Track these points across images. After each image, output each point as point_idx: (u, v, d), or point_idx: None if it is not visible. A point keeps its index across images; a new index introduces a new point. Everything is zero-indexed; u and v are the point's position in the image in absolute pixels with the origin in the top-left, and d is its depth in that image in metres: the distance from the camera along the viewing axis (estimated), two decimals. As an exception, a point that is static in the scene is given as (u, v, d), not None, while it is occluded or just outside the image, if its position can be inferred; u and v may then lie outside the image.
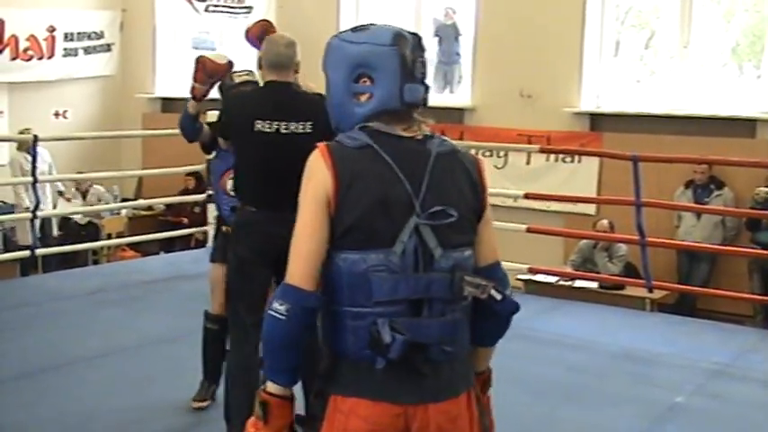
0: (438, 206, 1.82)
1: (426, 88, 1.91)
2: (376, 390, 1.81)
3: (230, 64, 3.90)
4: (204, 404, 4.10)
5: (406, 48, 1.86)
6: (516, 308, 1.91)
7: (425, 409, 1.83)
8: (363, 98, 1.87)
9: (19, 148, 8.77)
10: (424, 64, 1.90)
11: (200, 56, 3.88)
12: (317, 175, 1.82)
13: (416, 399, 1.82)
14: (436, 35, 9.14)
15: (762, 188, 6.50)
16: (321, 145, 1.86)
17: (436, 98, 9.12)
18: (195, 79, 3.84)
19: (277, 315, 1.79)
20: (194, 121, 3.95)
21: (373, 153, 1.83)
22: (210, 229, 7.69)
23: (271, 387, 1.83)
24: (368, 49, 1.87)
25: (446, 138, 1.95)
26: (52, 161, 9.09)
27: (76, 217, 9.53)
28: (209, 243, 7.73)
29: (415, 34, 1.91)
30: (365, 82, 1.87)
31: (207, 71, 3.81)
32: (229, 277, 3.55)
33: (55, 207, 9.25)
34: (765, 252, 6.45)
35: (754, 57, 7.91)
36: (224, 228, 4.03)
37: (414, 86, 1.87)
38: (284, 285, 1.81)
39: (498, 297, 1.86)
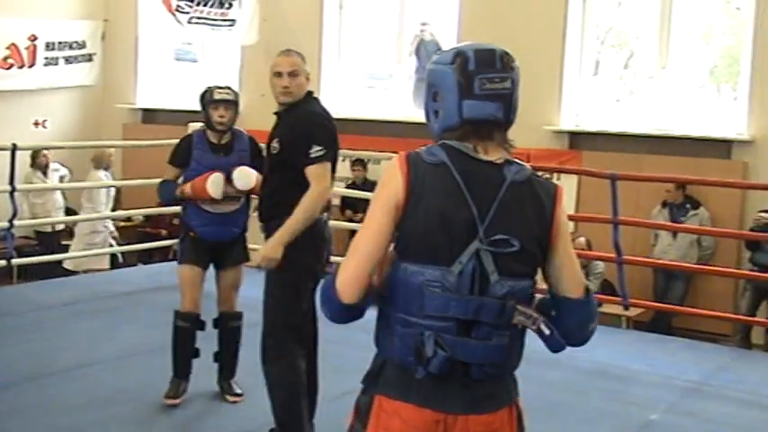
0: (502, 234, 1.85)
1: (501, 106, 1.90)
2: (419, 396, 1.89)
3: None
4: (177, 401, 4.21)
5: (466, 65, 1.89)
6: (562, 348, 1.92)
7: (466, 420, 1.90)
8: (437, 115, 1.95)
9: (32, 165, 8.90)
10: (494, 81, 1.89)
11: (206, 189, 4.14)
12: (392, 183, 1.89)
13: (458, 408, 1.89)
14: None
15: (763, 213, 6.58)
16: (402, 154, 1.92)
17: (418, 115, 9.16)
18: (189, 196, 4.22)
19: (324, 310, 1.96)
20: (173, 185, 4.31)
21: (447, 171, 1.87)
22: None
23: None
24: (435, 68, 1.95)
25: (524, 164, 1.96)
26: (68, 172, 9.15)
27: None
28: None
29: (494, 51, 1.94)
30: (436, 100, 1.95)
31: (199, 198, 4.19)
32: (283, 293, 3.54)
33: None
34: (743, 273, 6.50)
35: (731, 79, 8.03)
36: (191, 233, 4.26)
37: (473, 103, 1.88)
38: (327, 290, 1.92)
39: (546, 332, 1.88)
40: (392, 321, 1.91)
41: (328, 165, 3.50)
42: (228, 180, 4.15)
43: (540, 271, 1.97)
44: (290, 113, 3.57)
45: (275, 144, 3.54)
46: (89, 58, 10.97)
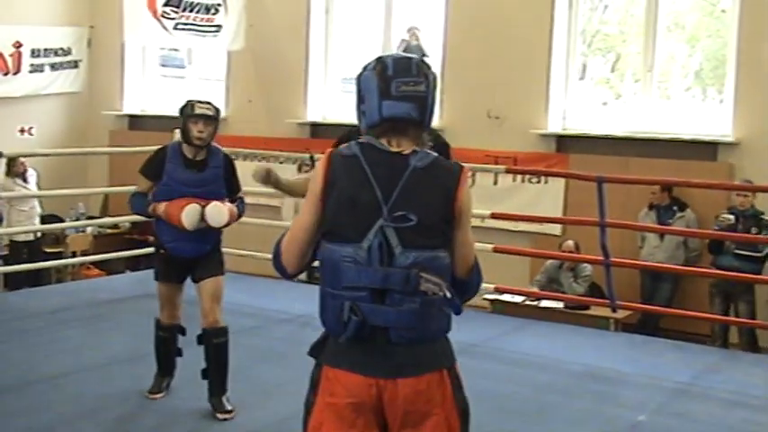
0: (402, 212, 2.13)
1: (415, 106, 2.18)
2: (349, 362, 2.16)
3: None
4: (159, 396, 4.39)
5: (385, 70, 2.19)
6: (459, 312, 2.19)
7: (394, 383, 2.15)
8: (364, 115, 2.25)
9: (8, 174, 8.74)
10: (409, 84, 2.18)
11: (180, 219, 4.10)
12: (315, 178, 2.22)
13: (384, 373, 2.14)
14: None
15: (725, 214, 6.58)
16: (327, 151, 2.24)
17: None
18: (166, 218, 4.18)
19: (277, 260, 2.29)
20: (144, 197, 4.32)
21: (357, 162, 2.17)
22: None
23: None
24: (361, 74, 2.27)
25: (430, 153, 2.22)
26: (35, 175, 9.05)
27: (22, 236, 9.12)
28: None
29: (410, 59, 2.24)
30: (363, 102, 2.25)
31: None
32: None
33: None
34: (727, 273, 6.52)
35: (717, 81, 8.07)
36: (161, 251, 4.32)
37: (391, 103, 2.17)
38: (277, 258, 2.27)
39: (449, 296, 2.14)
40: (324, 296, 2.20)
41: None
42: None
43: None
44: None
45: None
46: (75, 64, 10.93)
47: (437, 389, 2.18)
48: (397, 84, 2.17)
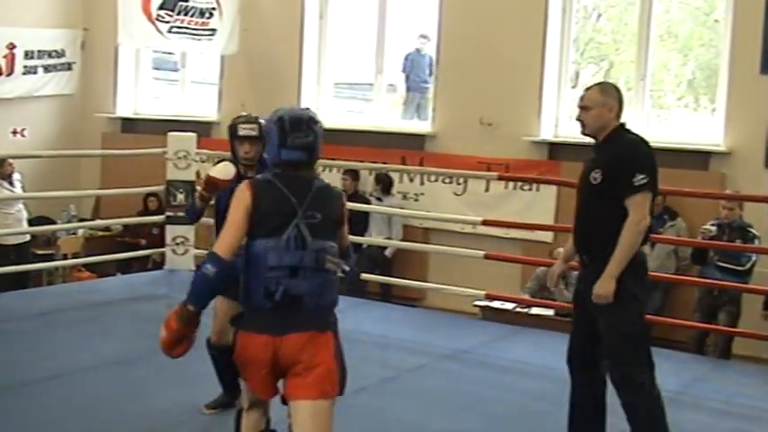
0: (310, 212, 2.96)
1: (304, 153, 3.01)
2: (256, 326, 2.92)
3: (234, 180, 4.07)
4: (213, 412, 4.27)
5: (283, 125, 3.01)
6: (356, 277, 3.21)
7: (282, 339, 2.89)
8: (269, 155, 3.11)
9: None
10: (299, 138, 3.00)
11: (209, 175, 4.15)
12: (244, 197, 2.98)
13: (276, 331, 2.89)
14: (407, 62, 9.26)
15: (708, 226, 6.56)
16: (246, 182, 3.06)
17: (398, 125, 9.20)
18: (205, 190, 4.21)
19: (208, 274, 2.90)
20: (199, 212, 4.31)
21: (273, 184, 3.00)
22: (169, 251, 7.65)
23: (190, 307, 2.93)
24: (266, 126, 3.14)
25: (322, 179, 3.12)
26: (21, 181, 8.97)
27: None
28: (167, 265, 7.68)
29: (301, 117, 3.04)
30: (267, 145, 3.17)
31: (216, 188, 4.15)
32: (634, 322, 3.73)
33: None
34: (714, 282, 6.49)
35: (709, 91, 8.10)
36: None
37: (288, 151, 3.00)
38: (213, 254, 2.92)
39: (347, 269, 3.04)
40: (250, 280, 2.92)
41: (649, 194, 3.62)
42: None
43: None
44: (606, 145, 3.75)
45: (596, 175, 3.67)
46: (68, 66, 10.91)
47: (321, 345, 2.91)
48: (292, 138, 2.99)
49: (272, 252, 2.89)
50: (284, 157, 3.00)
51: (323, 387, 2.88)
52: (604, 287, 3.63)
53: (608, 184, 3.65)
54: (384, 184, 8.65)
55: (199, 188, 4.24)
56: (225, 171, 4.10)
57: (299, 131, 3.00)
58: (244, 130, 4.18)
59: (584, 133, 3.84)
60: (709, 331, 6.72)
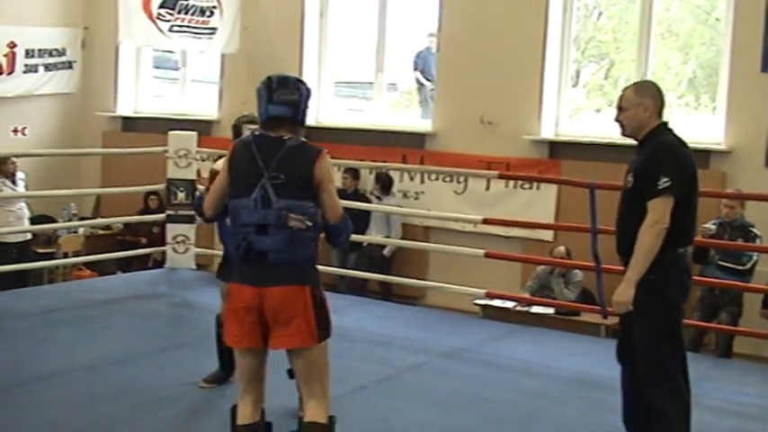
0: (275, 173, 3.16)
1: (289, 109, 3.23)
2: (242, 278, 3.20)
3: None
4: (211, 386, 4.54)
5: (271, 84, 3.24)
6: (336, 244, 3.45)
7: (270, 291, 3.13)
8: (259, 113, 3.31)
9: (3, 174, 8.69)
10: (285, 94, 3.23)
11: (213, 169, 4.43)
12: (227, 157, 3.32)
13: (263, 283, 3.14)
14: (419, 60, 9.26)
15: (708, 225, 6.54)
16: (235, 141, 3.48)
17: (398, 123, 9.20)
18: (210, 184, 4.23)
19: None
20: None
21: (248, 145, 3.25)
22: (169, 249, 7.65)
23: None
24: (258, 87, 3.29)
25: (300, 138, 3.27)
26: (25, 179, 8.99)
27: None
28: (168, 263, 7.69)
29: (288, 78, 3.30)
30: (259, 104, 3.29)
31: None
32: (664, 324, 3.69)
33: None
34: (714, 281, 6.46)
35: (710, 89, 8.09)
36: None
37: (274, 106, 3.22)
38: (199, 206, 3.57)
39: (309, 225, 3.16)
40: (228, 233, 3.34)
41: (671, 198, 3.57)
42: None
43: None
44: (643, 146, 3.74)
45: (630, 177, 3.69)
46: (69, 65, 10.91)
47: (298, 298, 3.14)
48: (278, 93, 3.22)
49: (243, 210, 3.17)
50: (270, 113, 3.22)
51: (302, 337, 3.13)
52: (622, 294, 3.63)
53: (638, 187, 3.65)
54: (384, 183, 8.65)
55: (201, 186, 4.25)
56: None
57: (286, 88, 3.24)
58: (248, 130, 4.19)
59: (623, 134, 3.83)
60: (708, 330, 6.71)
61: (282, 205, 3.12)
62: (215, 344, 4.51)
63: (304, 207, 3.15)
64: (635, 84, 3.97)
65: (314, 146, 3.27)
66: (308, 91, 3.31)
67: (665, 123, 3.79)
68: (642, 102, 3.74)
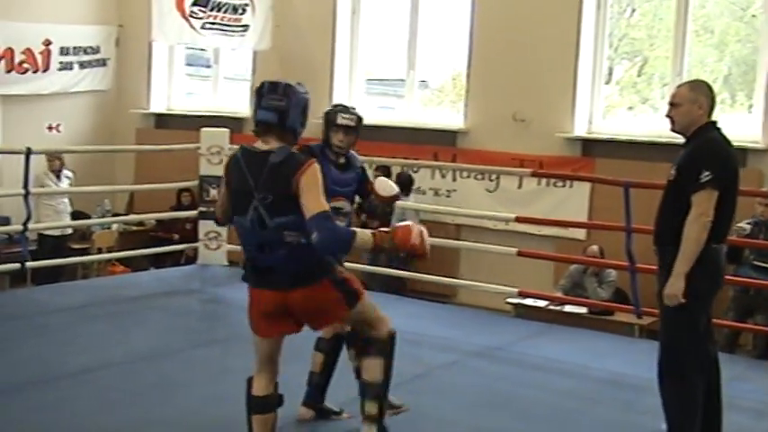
0: (263, 194, 3.17)
1: (276, 114, 3.21)
2: (261, 283, 3.29)
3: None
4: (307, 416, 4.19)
5: (262, 88, 3.27)
6: (322, 248, 3.15)
7: (287, 294, 3.24)
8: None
9: (50, 168, 8.96)
10: (273, 100, 3.22)
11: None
12: (224, 169, 3.40)
13: (283, 287, 3.23)
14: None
15: (743, 224, 6.44)
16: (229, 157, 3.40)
17: (430, 120, 9.17)
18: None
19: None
20: None
21: (237, 161, 3.28)
22: (201, 246, 7.69)
23: None
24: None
25: (286, 149, 3.21)
26: (72, 178, 9.20)
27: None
28: (200, 260, 7.73)
29: (279, 83, 3.26)
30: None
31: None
32: (678, 319, 3.75)
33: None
34: (748, 281, 6.35)
35: (746, 87, 7.98)
36: None
37: (261, 111, 3.24)
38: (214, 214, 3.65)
39: (303, 241, 3.14)
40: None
41: (714, 192, 3.62)
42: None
43: None
44: (689, 143, 3.79)
45: (673, 171, 3.75)
46: (103, 62, 11.01)
47: (321, 292, 3.26)
48: (266, 99, 3.23)
49: (242, 230, 3.29)
50: (258, 117, 3.24)
51: (336, 314, 3.40)
52: (672, 287, 3.66)
53: (680, 181, 3.68)
54: (403, 183, 8.46)
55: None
56: (391, 186, 4.30)
57: (275, 93, 3.23)
58: (343, 119, 4.20)
59: (673, 130, 3.86)
60: (743, 331, 6.61)
61: (276, 224, 3.17)
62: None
63: (298, 223, 3.14)
64: (690, 81, 3.99)
65: (299, 157, 3.20)
66: (303, 100, 3.27)
67: (714, 122, 3.81)
68: (697, 99, 3.76)
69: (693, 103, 3.75)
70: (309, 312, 3.31)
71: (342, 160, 4.24)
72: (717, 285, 3.81)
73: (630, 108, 8.61)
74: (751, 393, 5.03)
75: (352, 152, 4.34)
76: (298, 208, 3.13)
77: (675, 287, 3.64)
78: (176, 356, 4.92)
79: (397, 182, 8.58)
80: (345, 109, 4.27)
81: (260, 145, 3.25)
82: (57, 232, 8.96)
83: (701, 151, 3.70)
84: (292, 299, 3.24)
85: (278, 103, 3.21)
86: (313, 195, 3.13)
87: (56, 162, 8.97)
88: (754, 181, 7.18)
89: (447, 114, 9.35)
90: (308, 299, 3.25)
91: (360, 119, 4.28)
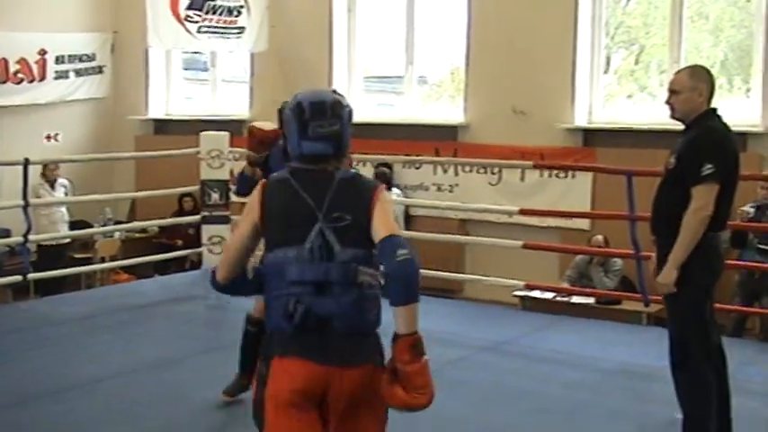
0: (336, 213, 2.45)
1: (330, 144, 2.52)
2: (301, 350, 2.40)
3: (277, 131, 4.13)
4: (234, 399, 4.24)
5: (303, 113, 2.54)
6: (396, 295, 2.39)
7: (342, 372, 2.39)
8: (290, 146, 2.60)
9: (42, 176, 8.95)
10: (323, 126, 2.52)
11: (250, 125, 4.23)
12: (252, 204, 2.55)
13: (334, 361, 2.39)
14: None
15: (746, 208, 6.43)
16: (262, 181, 2.62)
17: (430, 116, 9.15)
18: (249, 148, 4.27)
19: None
20: (250, 180, 4.24)
21: (288, 183, 2.52)
22: (205, 250, 7.67)
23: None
24: (285, 113, 2.60)
25: (353, 170, 2.72)
26: (69, 186, 9.21)
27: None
28: (205, 265, 7.71)
29: (324, 102, 2.55)
30: (287, 136, 2.62)
31: (257, 139, 4.20)
32: (684, 311, 3.74)
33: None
34: (753, 265, 6.34)
35: (742, 71, 7.96)
36: None
37: (308, 144, 2.53)
38: (212, 279, 2.59)
39: (383, 283, 2.45)
40: (269, 299, 2.47)
41: (715, 185, 3.59)
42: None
43: None
44: (689, 130, 3.74)
45: (672, 159, 3.71)
46: (99, 70, 10.99)
47: (376, 383, 2.42)
48: (313, 127, 2.52)
49: (292, 265, 2.42)
50: (306, 151, 2.53)
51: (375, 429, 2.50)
52: (666, 276, 3.65)
53: (680, 170, 3.65)
54: (383, 178, 8.18)
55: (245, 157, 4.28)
56: (267, 123, 4.18)
57: (323, 119, 2.53)
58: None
59: (673, 117, 3.82)
60: (750, 314, 6.59)
61: (349, 256, 2.43)
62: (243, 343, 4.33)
63: (371, 258, 2.46)
64: (689, 67, 3.94)
65: (368, 179, 2.64)
66: (351, 112, 2.60)
67: (714, 109, 3.77)
68: (697, 86, 3.72)
69: (693, 90, 3.71)
70: (349, 406, 2.42)
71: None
72: (717, 273, 3.81)
73: (629, 96, 8.57)
74: (760, 377, 5.02)
75: None
76: (370, 240, 2.46)
77: (668, 277, 3.64)
78: (183, 364, 4.90)
79: (376, 178, 8.57)
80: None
81: (310, 167, 2.56)
82: (54, 241, 8.96)
83: (703, 142, 3.66)
84: (343, 379, 2.40)
85: (330, 129, 2.53)
86: (387, 219, 2.50)
87: (51, 172, 8.96)
88: (755, 165, 7.15)
89: (447, 109, 9.32)
90: (364, 385, 2.42)
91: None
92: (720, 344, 3.88)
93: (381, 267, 2.45)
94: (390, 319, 2.42)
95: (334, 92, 2.65)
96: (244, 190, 4.28)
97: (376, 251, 2.45)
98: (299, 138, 2.54)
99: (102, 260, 9.60)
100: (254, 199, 2.54)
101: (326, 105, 2.54)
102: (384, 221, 2.46)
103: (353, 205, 2.47)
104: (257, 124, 4.26)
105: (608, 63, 8.54)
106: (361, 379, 2.41)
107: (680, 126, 3.88)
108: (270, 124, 4.21)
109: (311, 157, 2.53)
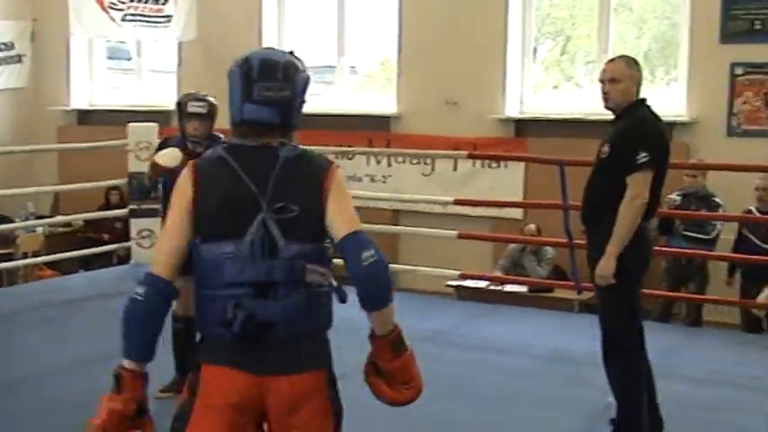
0: (279, 203, 2.12)
1: (277, 111, 2.18)
2: (232, 360, 2.12)
3: (179, 166, 3.97)
4: (168, 395, 4.13)
5: (250, 70, 2.18)
6: (345, 298, 2.16)
7: (278, 380, 2.13)
8: (231, 110, 2.24)
9: None
10: (271, 89, 2.17)
11: (153, 160, 4.25)
12: (182, 187, 2.19)
13: (267, 370, 2.12)
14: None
15: (673, 196, 6.58)
16: (190, 162, 2.26)
17: (362, 106, 9.10)
18: (151, 174, 4.36)
19: (136, 296, 2.13)
20: (146, 189, 4.43)
21: (224, 162, 2.17)
22: (134, 245, 7.49)
23: (125, 362, 2.17)
24: (231, 69, 2.23)
25: (298, 145, 2.24)
26: None
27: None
28: (133, 259, 7.53)
29: (276, 63, 2.20)
30: (230, 97, 2.23)
31: (157, 172, 4.22)
32: (624, 296, 3.78)
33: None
34: (679, 251, 6.48)
35: (665, 62, 8.14)
36: None
37: (252, 107, 2.17)
38: (146, 272, 2.18)
39: (334, 284, 2.18)
40: (203, 299, 2.17)
41: (650, 172, 3.59)
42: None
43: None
44: (620, 120, 3.73)
45: (605, 148, 3.70)
46: (18, 59, 10.61)
47: (315, 389, 2.19)
48: (260, 88, 2.18)
49: (230, 262, 2.10)
50: (247, 115, 2.18)
51: None
52: (604, 268, 3.68)
53: (613, 159, 3.68)
54: None
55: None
56: (171, 157, 4.13)
57: (272, 80, 2.18)
58: (194, 107, 4.22)
59: (606, 107, 3.84)
60: (676, 300, 6.76)
61: (294, 252, 2.12)
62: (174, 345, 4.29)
63: (321, 253, 2.17)
64: (623, 57, 3.97)
65: (318, 156, 2.28)
66: (307, 79, 2.27)
67: (644, 99, 3.83)
68: (633, 75, 3.78)
69: (631, 78, 3.77)
70: (285, 416, 2.16)
71: (200, 149, 4.11)
72: (648, 262, 3.88)
73: (555, 87, 8.69)
74: (688, 362, 5.15)
75: (217, 136, 4.26)
76: (320, 231, 2.16)
77: (607, 268, 3.67)
78: (113, 361, 4.75)
79: None
80: (195, 97, 4.27)
81: (250, 141, 2.22)
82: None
83: (636, 131, 3.70)
84: (277, 388, 2.14)
85: (279, 94, 2.18)
86: (346, 209, 2.18)
87: None
88: (682, 153, 7.30)
89: (379, 100, 9.30)
90: (300, 393, 2.16)
91: (212, 105, 4.27)
92: (641, 327, 3.95)
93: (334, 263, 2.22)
94: (356, 316, 2.25)
95: (291, 53, 2.28)
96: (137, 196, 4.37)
97: (328, 243, 2.19)
98: (242, 100, 2.18)
99: (25, 255, 9.29)
100: (185, 183, 2.18)
101: (278, 66, 2.20)
102: (342, 213, 2.16)
103: (302, 191, 2.15)
104: (160, 159, 4.15)
105: (534, 54, 8.64)
106: (303, 386, 2.15)
107: (608, 115, 3.92)
108: (175, 156, 4.11)
109: (254, 124, 2.19)
